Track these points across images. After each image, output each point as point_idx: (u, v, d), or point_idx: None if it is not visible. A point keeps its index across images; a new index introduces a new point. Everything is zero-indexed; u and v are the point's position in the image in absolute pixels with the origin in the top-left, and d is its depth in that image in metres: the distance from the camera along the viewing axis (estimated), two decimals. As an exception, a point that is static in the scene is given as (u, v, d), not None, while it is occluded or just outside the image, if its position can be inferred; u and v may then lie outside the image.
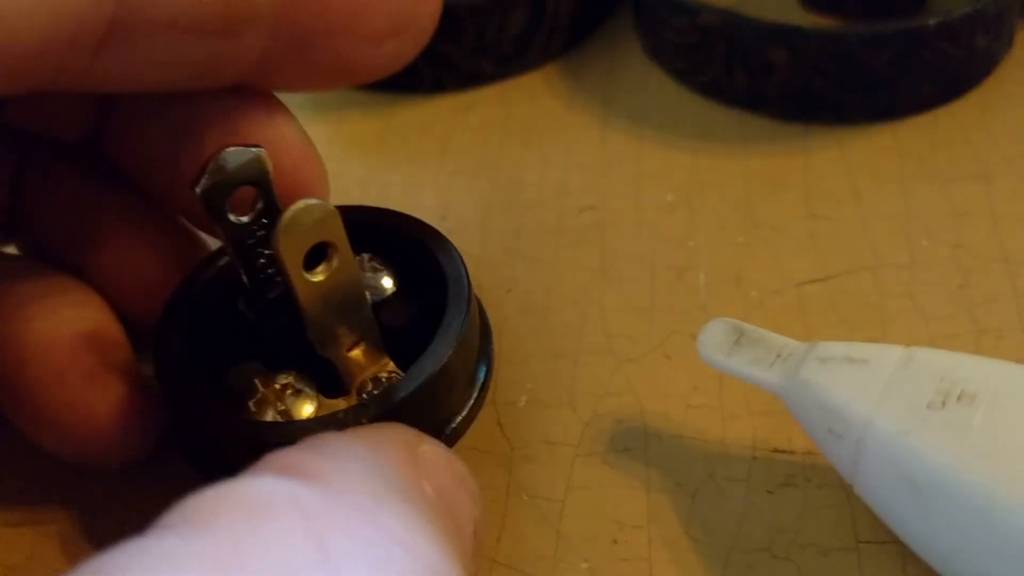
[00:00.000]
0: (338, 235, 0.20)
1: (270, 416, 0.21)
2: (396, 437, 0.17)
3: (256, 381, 0.21)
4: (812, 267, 0.26)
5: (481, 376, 0.22)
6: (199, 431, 0.21)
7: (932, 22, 0.28)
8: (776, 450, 0.22)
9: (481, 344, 0.22)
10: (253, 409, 0.21)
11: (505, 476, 0.23)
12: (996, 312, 0.25)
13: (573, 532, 0.22)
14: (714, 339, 0.21)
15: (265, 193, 0.21)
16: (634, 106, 0.32)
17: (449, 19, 0.31)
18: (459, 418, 0.21)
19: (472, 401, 0.22)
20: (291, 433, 0.19)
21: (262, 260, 0.21)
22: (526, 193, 0.30)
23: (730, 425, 0.23)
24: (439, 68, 0.33)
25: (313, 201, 0.19)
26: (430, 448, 0.17)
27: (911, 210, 0.27)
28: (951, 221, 0.27)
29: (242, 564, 0.12)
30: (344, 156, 0.32)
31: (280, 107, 0.22)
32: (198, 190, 0.19)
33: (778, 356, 0.21)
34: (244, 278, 0.21)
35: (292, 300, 0.21)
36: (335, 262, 0.20)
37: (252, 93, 0.21)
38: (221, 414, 0.20)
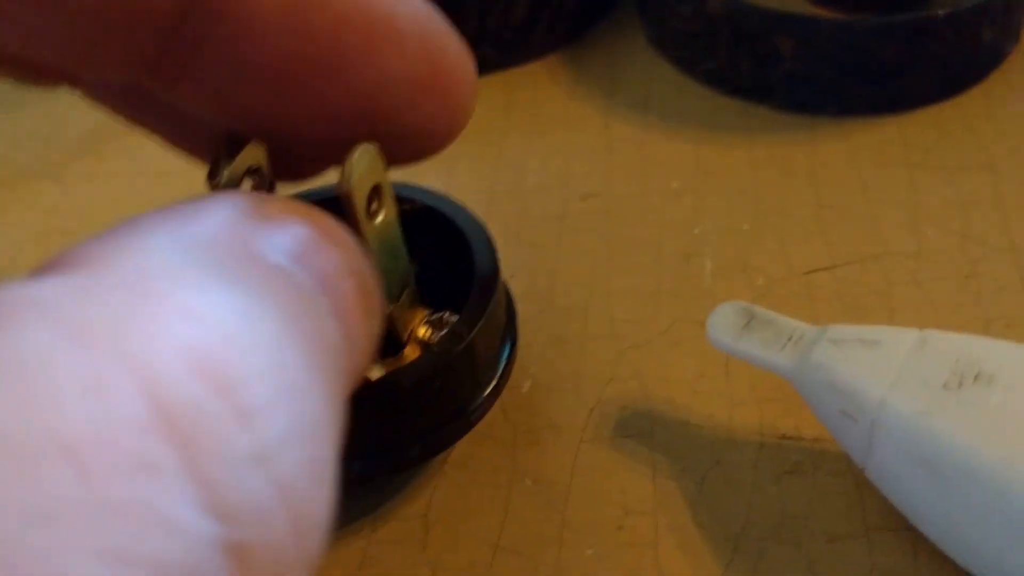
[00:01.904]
0: (384, 176, 0.19)
1: None
2: (221, 203, 0.14)
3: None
4: (819, 255, 0.26)
5: (505, 353, 0.22)
6: None
7: (940, 13, 0.28)
8: (784, 436, 0.22)
9: (508, 322, 0.22)
10: None
11: (509, 461, 0.22)
12: (1004, 301, 0.24)
13: (578, 518, 0.21)
14: (724, 322, 0.21)
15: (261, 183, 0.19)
16: (638, 95, 0.32)
17: (452, 5, 0.31)
18: (482, 397, 0.21)
19: (494, 383, 0.21)
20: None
21: None
22: (529, 179, 0.29)
23: (737, 411, 0.23)
24: (441, 54, 0.33)
25: (367, 144, 0.18)
26: (278, 206, 0.14)
27: (918, 200, 0.27)
28: (958, 211, 0.27)
29: None
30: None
31: None
32: (212, 183, 0.18)
33: (789, 339, 0.20)
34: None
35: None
36: (384, 204, 0.19)
37: None
38: None
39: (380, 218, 0.19)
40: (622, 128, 0.31)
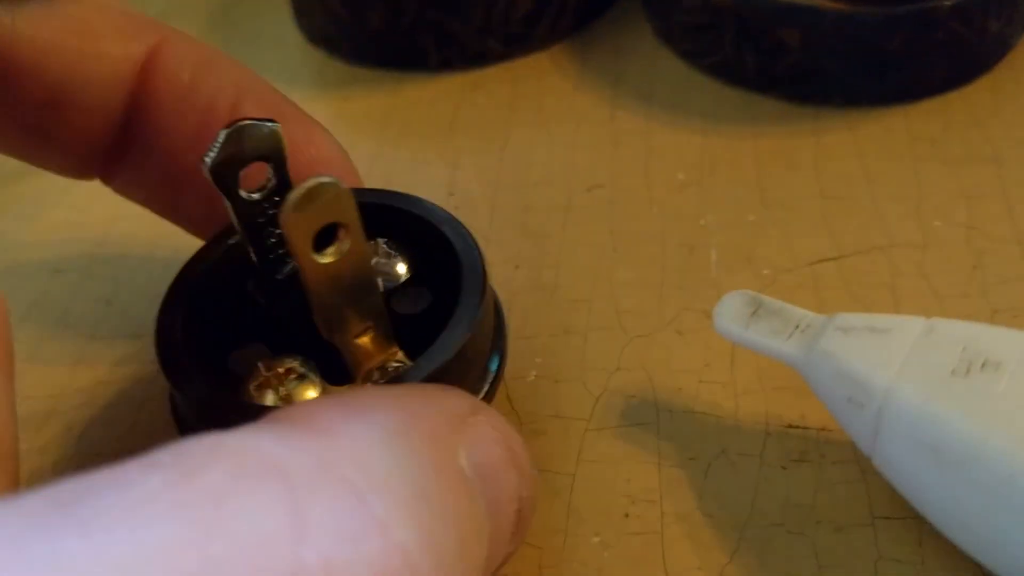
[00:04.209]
0: (350, 216, 0.19)
1: (270, 400, 0.20)
2: (441, 401, 0.16)
3: (259, 364, 0.20)
4: (824, 246, 0.26)
5: (494, 367, 0.21)
6: (197, 413, 0.20)
7: (947, 4, 0.28)
8: (790, 426, 0.22)
9: (495, 335, 0.21)
10: (253, 392, 0.20)
11: (514, 450, 0.22)
12: (1010, 292, 0.24)
13: (584, 506, 0.21)
14: (731, 311, 0.21)
15: (278, 170, 0.20)
16: (643, 87, 0.32)
17: (457, -4, 0.31)
18: (485, 389, 0.21)
19: (483, 394, 0.21)
20: None
21: (272, 239, 0.21)
22: (534, 171, 0.29)
23: (743, 400, 0.23)
24: (446, 46, 0.33)
25: (325, 179, 0.18)
26: (484, 418, 0.16)
27: (923, 191, 0.27)
28: (964, 202, 0.27)
29: (219, 527, 0.11)
30: (350, 133, 0.31)
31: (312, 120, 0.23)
32: (208, 163, 0.19)
33: (796, 327, 0.20)
34: (253, 257, 0.21)
35: (300, 282, 0.20)
36: (346, 244, 0.19)
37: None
38: (219, 396, 0.19)
39: (331, 256, 0.19)
40: (627, 120, 0.31)
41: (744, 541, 0.20)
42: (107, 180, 0.24)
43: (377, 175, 0.30)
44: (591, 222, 0.28)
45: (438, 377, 0.19)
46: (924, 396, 0.18)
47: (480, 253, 0.21)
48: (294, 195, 0.17)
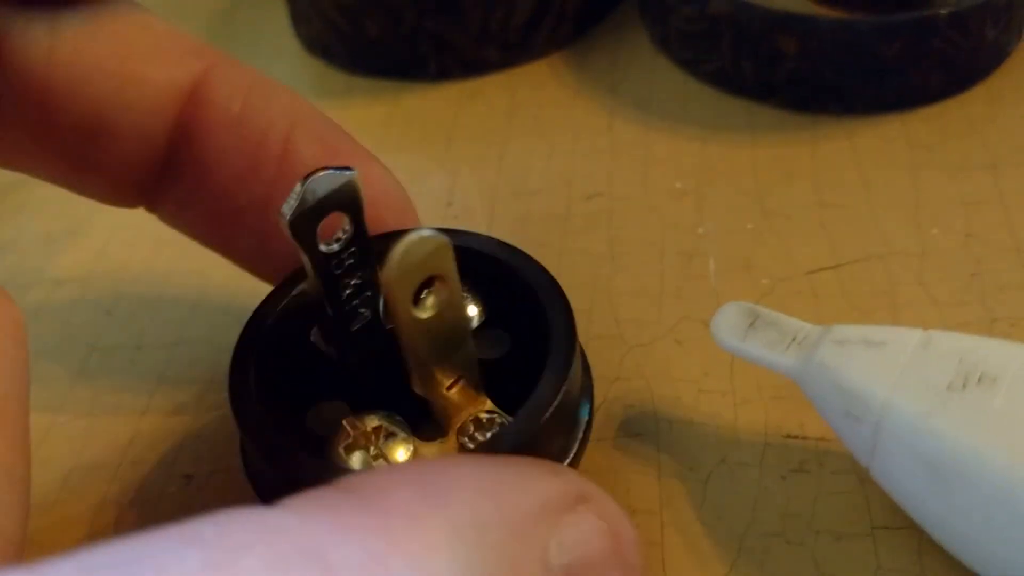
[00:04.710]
0: (448, 268, 0.18)
1: (359, 462, 0.19)
2: (541, 486, 0.14)
3: (344, 424, 0.20)
4: (822, 254, 0.26)
5: (584, 415, 0.20)
6: (284, 478, 0.18)
7: (943, 12, 0.28)
8: (789, 436, 0.22)
9: (583, 380, 0.21)
10: (342, 453, 0.19)
11: (514, 460, 0.22)
12: (1009, 300, 0.24)
13: (584, 517, 0.21)
14: (728, 322, 0.21)
15: (355, 220, 0.19)
16: (641, 95, 0.32)
17: (454, 5, 0.31)
18: (567, 462, 0.20)
19: (577, 444, 0.20)
20: None
21: (348, 291, 0.20)
22: (532, 180, 0.29)
23: (742, 410, 0.23)
24: (444, 55, 0.33)
25: (426, 233, 0.17)
26: (590, 507, 0.14)
27: (921, 199, 0.27)
28: (962, 210, 0.27)
29: None
30: (349, 142, 0.32)
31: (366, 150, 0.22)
32: (287, 216, 0.18)
33: (793, 339, 0.20)
34: (328, 309, 0.20)
35: (379, 333, 0.19)
36: (443, 296, 0.18)
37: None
38: (312, 463, 0.18)
39: (430, 311, 0.18)
40: (625, 128, 0.31)
41: (744, 551, 0.20)
42: (152, 209, 0.23)
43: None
44: (589, 231, 0.28)
45: (538, 432, 0.18)
46: (921, 411, 0.18)
47: (562, 293, 0.21)
48: (397, 251, 0.17)
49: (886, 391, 0.18)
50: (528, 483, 0.14)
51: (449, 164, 0.30)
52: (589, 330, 0.25)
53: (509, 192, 0.29)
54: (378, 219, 0.21)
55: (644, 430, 0.23)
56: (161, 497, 0.23)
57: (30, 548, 0.22)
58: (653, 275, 0.26)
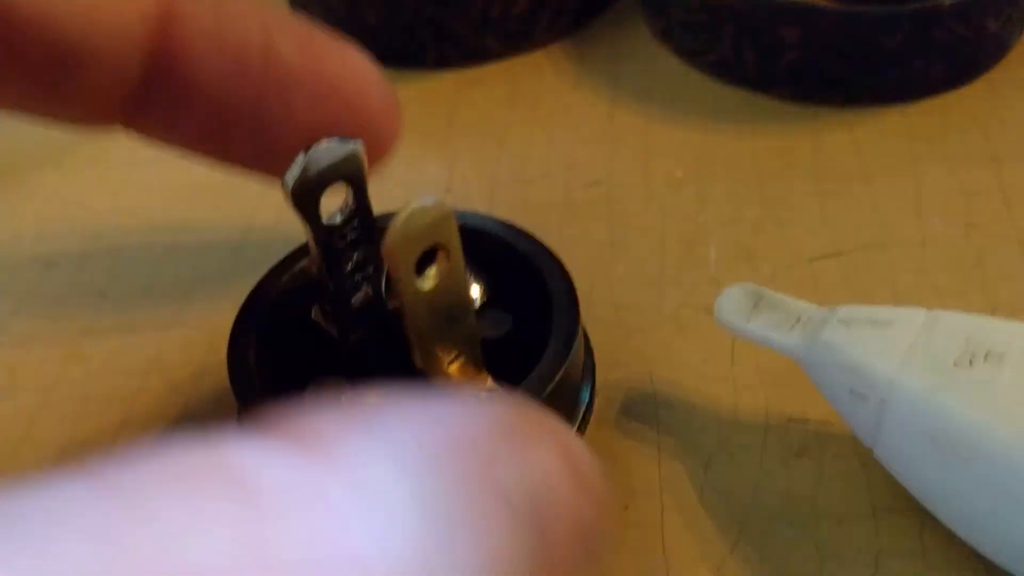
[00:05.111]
0: (451, 238, 0.18)
1: None
2: (495, 416, 0.13)
3: (344, 399, 0.20)
4: (823, 243, 0.26)
5: (585, 397, 0.21)
6: None
7: (946, 3, 0.28)
8: (790, 420, 0.22)
9: (585, 363, 0.21)
10: None
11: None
12: (1010, 290, 0.24)
13: (583, 499, 0.21)
14: (732, 304, 0.21)
15: (358, 192, 0.19)
16: (641, 86, 0.32)
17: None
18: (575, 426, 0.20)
19: (578, 424, 0.20)
20: None
21: (350, 265, 0.20)
22: (532, 167, 0.29)
23: (743, 395, 0.23)
24: (443, 43, 0.33)
25: (429, 202, 0.17)
26: (546, 433, 0.13)
27: (922, 190, 0.27)
28: (963, 201, 0.27)
29: (143, 553, 0.09)
30: (347, 128, 0.31)
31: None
32: (289, 184, 0.18)
33: (798, 320, 0.20)
34: (329, 284, 0.20)
35: (380, 311, 0.19)
36: (445, 268, 0.18)
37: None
38: None
39: (433, 281, 0.18)
40: (626, 118, 0.31)
41: (745, 533, 0.20)
42: (130, 127, 0.23)
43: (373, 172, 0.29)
44: (589, 219, 0.27)
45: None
46: (927, 387, 0.18)
47: (567, 273, 0.20)
48: (399, 219, 0.17)
49: (892, 368, 0.18)
50: (482, 411, 0.13)
51: (448, 151, 0.30)
52: (589, 315, 0.25)
53: (508, 179, 0.29)
54: (362, 106, 0.21)
55: (644, 413, 0.22)
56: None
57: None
58: (653, 262, 0.26)
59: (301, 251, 0.22)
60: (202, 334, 0.25)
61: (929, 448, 0.18)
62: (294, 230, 0.22)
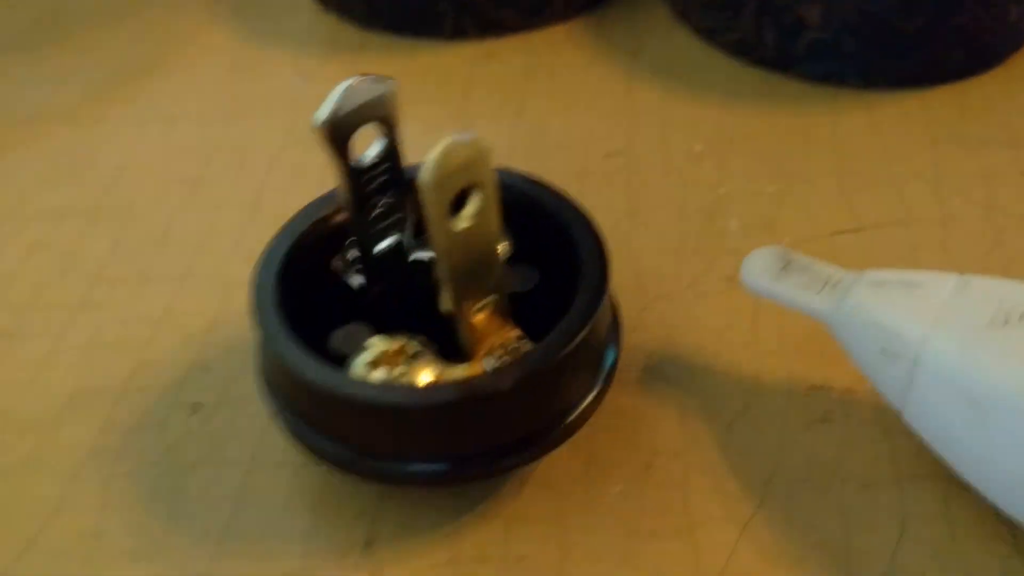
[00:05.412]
0: (485, 176, 0.17)
1: (383, 378, 0.19)
2: None
3: (370, 340, 0.19)
4: (844, 218, 0.26)
5: (611, 356, 0.20)
6: (305, 391, 0.18)
7: (968, -13, 0.28)
8: (813, 387, 0.22)
9: (611, 322, 0.21)
10: (362, 369, 0.19)
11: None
12: (1031, 268, 0.24)
13: (605, 456, 0.21)
14: (760, 265, 0.21)
15: (389, 135, 0.19)
16: (660, 63, 0.32)
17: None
18: (586, 401, 0.19)
19: (602, 381, 0.20)
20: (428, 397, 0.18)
21: (378, 210, 0.20)
22: (550, 137, 0.29)
23: (765, 361, 0.22)
24: (461, 14, 0.32)
25: (464, 138, 0.17)
26: None
27: (941, 171, 0.27)
28: (982, 183, 0.27)
29: None
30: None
31: None
32: (320, 120, 0.18)
33: (826, 283, 0.20)
34: (355, 228, 0.20)
35: (404, 261, 0.19)
36: (478, 208, 0.18)
37: None
38: (333, 375, 0.18)
39: (468, 220, 0.18)
40: (644, 93, 0.30)
41: (769, 495, 0.20)
42: None
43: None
44: (608, 188, 0.27)
45: (564, 360, 0.18)
46: (961, 345, 0.18)
47: (596, 229, 0.20)
48: (436, 152, 0.17)
49: (926, 326, 0.18)
50: None
51: (465, 120, 0.30)
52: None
53: (525, 150, 0.29)
54: None
55: (667, 376, 0.22)
56: (166, 424, 0.22)
57: (32, 465, 0.21)
58: (673, 232, 0.26)
59: (323, 200, 0.21)
60: (216, 286, 0.25)
61: (962, 407, 0.18)
62: (308, 189, 0.22)
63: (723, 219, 0.26)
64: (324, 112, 0.18)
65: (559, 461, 0.21)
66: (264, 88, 0.32)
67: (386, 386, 0.18)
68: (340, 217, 0.21)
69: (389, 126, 0.19)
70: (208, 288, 0.25)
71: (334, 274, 0.21)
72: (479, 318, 0.19)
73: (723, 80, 0.31)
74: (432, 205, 0.17)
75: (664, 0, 0.34)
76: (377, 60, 0.33)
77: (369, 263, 0.20)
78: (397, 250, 0.20)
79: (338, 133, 0.18)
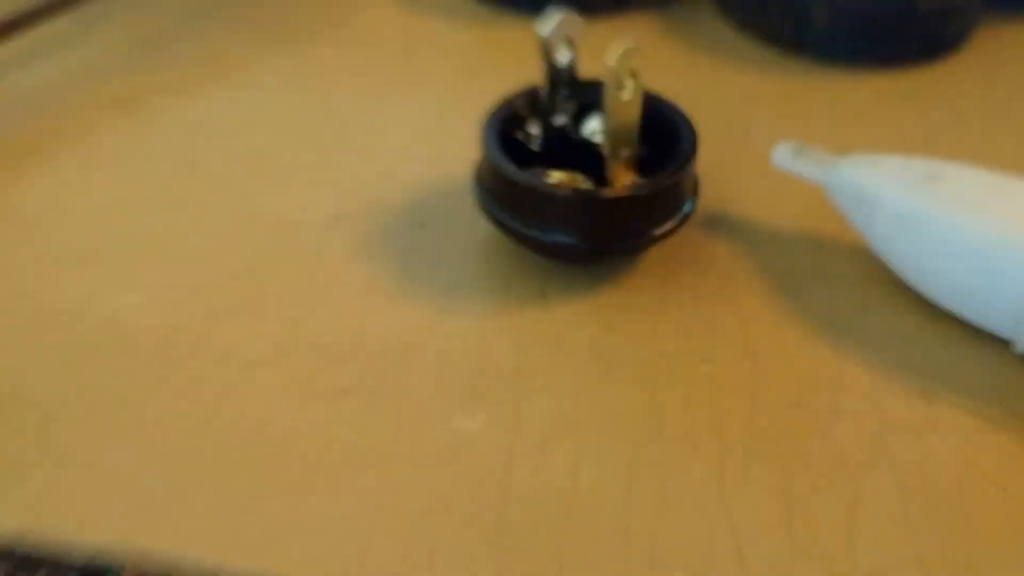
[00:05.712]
0: (638, 66, 0.29)
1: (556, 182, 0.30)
2: None
3: (553, 173, 0.31)
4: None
5: (688, 208, 0.32)
6: (507, 189, 0.30)
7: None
8: (815, 234, 0.35)
9: (693, 184, 0.32)
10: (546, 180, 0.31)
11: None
12: None
13: (678, 268, 0.33)
14: (783, 152, 0.33)
15: (572, 47, 0.31)
16: (704, 49, 0.44)
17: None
18: (673, 224, 0.31)
19: (682, 216, 0.31)
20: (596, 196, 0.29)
21: (564, 94, 0.32)
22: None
23: (786, 221, 0.35)
24: None
25: (629, 43, 0.29)
26: None
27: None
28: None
29: None
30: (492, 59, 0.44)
31: None
32: (542, 34, 0.30)
33: (824, 162, 0.33)
34: (547, 105, 0.32)
35: (570, 135, 0.31)
36: (634, 88, 0.30)
37: None
38: (531, 173, 0.30)
39: (625, 96, 0.30)
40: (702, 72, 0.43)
41: (782, 290, 0.32)
42: None
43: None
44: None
45: (665, 190, 0.30)
46: (901, 192, 0.30)
47: (694, 127, 0.32)
48: (618, 48, 0.29)
49: (880, 182, 0.31)
50: None
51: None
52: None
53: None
54: None
55: (721, 226, 0.35)
56: (401, 235, 0.34)
57: (304, 255, 0.34)
58: (733, 149, 0.38)
59: (504, 101, 0.34)
60: (335, 185, 0.36)
61: (905, 234, 0.30)
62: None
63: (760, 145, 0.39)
64: (545, 29, 0.30)
65: (650, 267, 0.33)
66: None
67: (559, 185, 0.31)
68: (520, 106, 0.34)
69: (572, 43, 0.32)
70: (425, 162, 0.37)
71: (519, 141, 0.33)
72: (619, 165, 0.32)
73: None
74: (611, 78, 0.30)
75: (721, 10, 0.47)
76: (457, 29, 0.45)
77: (550, 129, 0.33)
78: (566, 127, 0.33)
79: (548, 44, 0.31)
